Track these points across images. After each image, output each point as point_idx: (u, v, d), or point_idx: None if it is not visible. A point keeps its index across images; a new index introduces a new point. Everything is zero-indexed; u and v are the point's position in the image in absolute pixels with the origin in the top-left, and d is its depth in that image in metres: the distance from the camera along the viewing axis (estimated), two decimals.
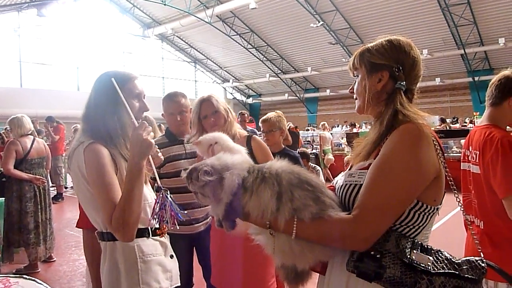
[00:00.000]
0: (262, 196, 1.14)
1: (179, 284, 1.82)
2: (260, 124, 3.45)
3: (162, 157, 2.18)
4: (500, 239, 1.96)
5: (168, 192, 1.65)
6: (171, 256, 1.81)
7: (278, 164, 1.22)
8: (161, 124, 8.16)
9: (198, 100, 2.52)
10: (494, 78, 2.09)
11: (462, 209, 1.23)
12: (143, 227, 1.68)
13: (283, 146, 3.45)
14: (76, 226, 3.65)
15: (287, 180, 1.16)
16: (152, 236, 1.72)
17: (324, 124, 11.92)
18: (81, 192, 1.64)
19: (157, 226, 1.73)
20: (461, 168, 2.22)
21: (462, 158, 2.24)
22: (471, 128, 2.68)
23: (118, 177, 1.59)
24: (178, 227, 1.68)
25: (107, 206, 1.50)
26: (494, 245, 1.97)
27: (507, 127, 2.22)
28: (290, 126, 10.84)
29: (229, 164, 1.22)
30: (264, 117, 3.48)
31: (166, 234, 1.82)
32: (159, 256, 1.72)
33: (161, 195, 1.63)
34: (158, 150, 1.82)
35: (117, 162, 1.61)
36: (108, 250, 1.65)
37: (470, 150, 2.12)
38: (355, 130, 14.10)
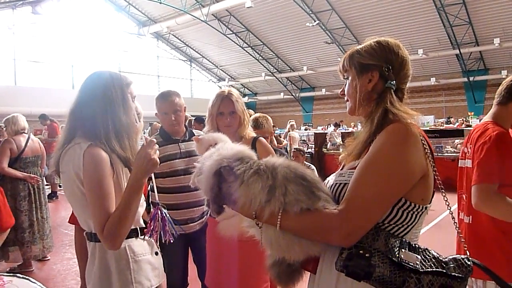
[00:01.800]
0: (252, 187, 1.16)
1: (164, 279, 1.87)
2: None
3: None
4: (488, 234, 1.97)
5: (165, 208, 1.76)
6: (156, 253, 1.83)
7: (276, 159, 1.25)
8: (156, 123, 8.15)
9: (218, 95, 2.50)
10: (508, 78, 2.10)
11: (449, 209, 1.25)
12: (133, 227, 1.70)
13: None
14: (68, 222, 3.67)
15: (283, 175, 1.18)
16: (140, 235, 1.75)
17: (292, 124, 12.01)
18: (72, 193, 1.63)
19: (144, 226, 1.78)
20: (459, 165, 2.23)
21: (460, 156, 2.26)
22: (465, 128, 2.70)
23: (114, 179, 1.60)
24: (172, 241, 1.74)
25: (101, 215, 1.51)
26: (481, 241, 1.98)
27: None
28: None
29: (217, 153, 1.28)
30: (253, 116, 3.42)
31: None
32: (148, 255, 1.75)
33: (158, 211, 1.73)
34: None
35: (114, 165, 1.62)
36: (98, 252, 1.65)
37: (467, 146, 2.13)
38: (341, 130, 14.19)
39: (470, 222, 2.06)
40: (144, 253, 1.73)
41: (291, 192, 1.15)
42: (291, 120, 12.01)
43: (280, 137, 9.97)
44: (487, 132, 1.95)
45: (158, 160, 1.57)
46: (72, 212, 3.52)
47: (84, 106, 1.68)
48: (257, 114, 3.50)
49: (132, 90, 1.78)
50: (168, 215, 1.80)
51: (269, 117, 3.55)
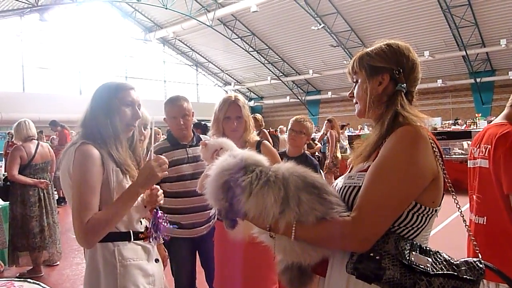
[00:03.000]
0: (264, 199, 1.15)
1: (163, 286, 1.84)
2: (291, 121, 3.31)
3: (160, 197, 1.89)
4: (503, 235, 1.94)
5: (160, 211, 1.81)
6: (156, 260, 1.82)
7: (285, 167, 1.23)
8: (157, 128, 8.15)
9: (225, 99, 2.52)
10: None
11: (460, 211, 1.24)
12: (125, 230, 1.71)
13: (303, 151, 3.35)
14: None
15: (294, 184, 1.17)
16: (134, 240, 1.73)
17: (281, 127, 11.98)
18: (66, 191, 1.68)
19: (141, 230, 1.78)
20: (468, 166, 2.21)
21: (469, 156, 2.23)
22: (474, 130, 2.66)
23: (104, 177, 1.63)
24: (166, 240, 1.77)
25: (81, 207, 1.53)
26: (494, 242, 1.95)
27: None
28: (270, 130, 10.84)
29: (216, 166, 1.27)
30: (299, 116, 3.37)
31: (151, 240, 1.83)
32: (139, 260, 1.72)
33: (157, 215, 1.79)
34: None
35: (105, 163, 1.64)
36: (88, 253, 1.67)
37: (479, 146, 2.09)
38: (348, 133, 14.13)
39: (485, 223, 2.02)
40: (135, 258, 1.71)
41: (305, 202, 1.15)
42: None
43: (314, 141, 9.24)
44: (509, 135, 1.91)
45: (159, 175, 1.63)
46: None
47: (88, 115, 1.76)
48: (300, 117, 3.41)
49: (132, 94, 1.80)
50: (164, 217, 1.84)
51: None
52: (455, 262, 1.08)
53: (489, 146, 1.99)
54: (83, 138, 1.67)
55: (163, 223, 1.82)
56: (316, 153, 10.15)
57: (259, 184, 1.17)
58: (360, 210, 1.13)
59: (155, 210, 1.81)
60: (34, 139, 4.78)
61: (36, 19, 18.49)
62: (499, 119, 2.12)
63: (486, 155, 2.01)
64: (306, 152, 3.41)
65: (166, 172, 1.69)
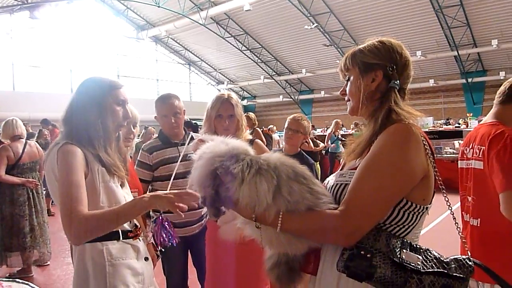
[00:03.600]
0: (258, 187, 1.14)
1: (152, 287, 1.81)
2: (288, 120, 3.29)
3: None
4: (498, 236, 1.93)
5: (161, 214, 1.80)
6: (146, 259, 1.80)
7: (275, 157, 1.23)
8: (151, 127, 8.12)
9: (218, 97, 2.50)
10: (511, 78, 2.07)
11: (451, 210, 1.24)
12: (113, 230, 1.66)
13: (299, 150, 3.34)
14: None
15: (286, 174, 1.17)
16: (123, 239, 1.70)
17: (271, 127, 12.07)
18: (52, 192, 1.64)
19: (130, 229, 1.75)
20: (459, 166, 2.20)
21: (459, 156, 2.22)
22: (465, 129, 2.67)
23: (89, 178, 1.60)
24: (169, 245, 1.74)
25: (71, 201, 1.47)
26: (489, 244, 1.95)
27: None
28: (263, 129, 10.85)
29: (209, 151, 1.24)
30: (297, 115, 3.35)
31: (140, 238, 1.81)
32: (129, 259, 1.70)
33: (165, 221, 1.80)
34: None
35: (90, 164, 1.62)
36: (77, 253, 1.65)
37: (472, 146, 2.08)
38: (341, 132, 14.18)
39: (478, 225, 2.01)
40: (124, 257, 1.68)
41: (296, 191, 1.15)
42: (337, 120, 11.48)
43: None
44: (503, 135, 1.90)
45: (169, 205, 1.49)
46: None
47: (69, 111, 1.71)
48: (298, 115, 3.38)
49: (123, 93, 1.77)
50: (167, 221, 1.81)
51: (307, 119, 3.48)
52: (445, 260, 1.08)
53: (483, 148, 1.97)
54: (66, 139, 1.63)
55: (170, 227, 1.79)
56: (323, 151, 10.20)
57: (251, 172, 1.16)
58: (348, 204, 1.13)
59: (159, 217, 1.78)
60: (22, 138, 4.71)
61: (27, 16, 18.31)
62: (489, 118, 2.11)
63: (480, 156, 1.99)
64: (302, 151, 3.41)
65: (179, 210, 1.52)
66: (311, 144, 6.92)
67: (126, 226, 1.74)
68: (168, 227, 1.83)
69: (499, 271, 1.12)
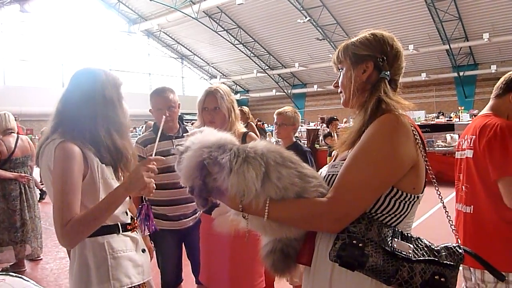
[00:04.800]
0: (246, 175, 1.14)
1: (151, 278, 1.84)
2: (274, 116, 3.40)
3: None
4: (487, 222, 1.98)
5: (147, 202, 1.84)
6: (143, 251, 1.82)
7: (262, 144, 1.24)
8: (150, 122, 8.11)
9: (205, 90, 2.52)
10: (508, 73, 2.12)
11: (442, 202, 1.26)
12: (113, 223, 1.70)
13: (294, 140, 3.41)
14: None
15: (274, 160, 1.18)
16: (122, 232, 1.73)
17: (260, 123, 12.22)
18: (48, 188, 1.65)
19: (128, 221, 1.77)
20: (455, 157, 2.26)
21: (456, 147, 2.28)
22: (457, 123, 2.73)
23: (88, 176, 1.60)
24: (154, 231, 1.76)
25: (63, 208, 1.49)
26: (481, 230, 2.01)
27: None
28: (257, 123, 10.91)
29: (197, 142, 1.25)
30: (280, 109, 3.43)
31: (137, 230, 1.83)
32: (129, 251, 1.73)
33: (145, 206, 1.82)
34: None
35: (89, 161, 1.61)
36: (77, 247, 1.64)
37: (466, 138, 2.14)
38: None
39: (471, 212, 2.07)
40: (125, 249, 1.71)
41: (285, 176, 1.16)
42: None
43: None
44: (493, 124, 1.96)
45: (146, 180, 1.57)
46: None
47: (65, 103, 1.69)
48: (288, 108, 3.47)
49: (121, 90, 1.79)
50: (150, 209, 1.85)
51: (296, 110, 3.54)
52: (435, 248, 1.10)
53: (474, 137, 2.04)
54: (61, 134, 1.61)
55: (151, 213, 1.82)
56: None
57: (239, 161, 1.16)
58: (336, 191, 1.15)
59: (143, 201, 1.80)
60: (13, 133, 4.67)
61: (17, 10, 18.07)
62: (485, 110, 2.17)
63: (471, 145, 2.06)
64: (297, 141, 3.48)
65: (152, 180, 1.64)
66: (336, 138, 6.91)
67: (124, 219, 1.75)
68: (150, 215, 1.86)
69: (491, 258, 1.14)
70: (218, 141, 1.24)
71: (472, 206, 2.07)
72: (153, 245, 2.57)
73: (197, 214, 2.81)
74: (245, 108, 7.86)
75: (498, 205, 1.92)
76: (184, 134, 1.38)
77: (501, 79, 2.12)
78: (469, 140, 2.09)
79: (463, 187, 2.13)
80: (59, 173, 1.53)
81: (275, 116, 3.40)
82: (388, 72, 1.28)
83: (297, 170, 1.18)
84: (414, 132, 1.19)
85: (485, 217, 2.00)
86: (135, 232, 1.79)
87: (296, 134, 14.69)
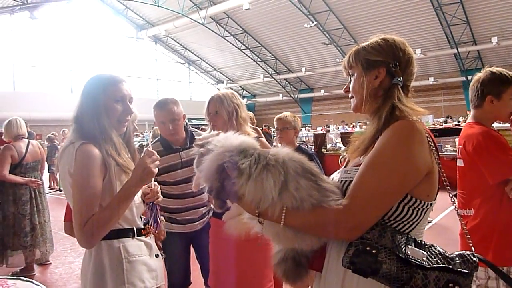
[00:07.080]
0: (264, 183, 1.14)
1: (164, 283, 1.86)
2: (274, 122, 3.44)
3: (159, 194, 1.95)
4: (489, 227, 2.07)
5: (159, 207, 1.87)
6: (156, 256, 1.84)
7: (284, 152, 1.23)
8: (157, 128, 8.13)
9: (209, 97, 2.57)
10: (471, 82, 2.26)
11: (455, 206, 1.25)
12: (128, 227, 1.71)
13: (297, 144, 3.43)
14: (64, 220, 3.72)
15: (294, 169, 1.17)
16: (137, 236, 1.74)
17: (264, 128, 12.32)
18: (66, 190, 1.66)
19: (142, 226, 1.79)
20: (457, 164, 2.34)
21: (457, 155, 2.36)
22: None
23: (107, 178, 1.62)
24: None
25: (83, 211, 1.52)
26: (482, 233, 2.07)
27: (495, 123, 2.42)
28: (263, 128, 10.93)
29: (220, 145, 1.25)
30: (280, 115, 3.48)
31: (151, 235, 1.85)
32: (144, 256, 1.75)
33: (155, 209, 1.84)
34: (158, 185, 1.87)
35: (107, 163, 1.63)
36: (93, 250, 1.66)
37: (458, 146, 2.30)
38: (340, 130, 14.24)
39: (473, 214, 2.16)
40: (140, 254, 1.73)
41: (303, 187, 1.15)
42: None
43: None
44: (474, 132, 2.11)
45: (154, 170, 1.61)
46: (66, 211, 3.72)
47: (83, 110, 1.71)
48: (287, 113, 3.53)
49: (121, 88, 1.73)
50: (159, 213, 1.87)
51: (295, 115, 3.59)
52: (449, 256, 1.09)
53: (460, 147, 2.22)
54: (81, 138, 1.63)
55: (161, 217, 1.84)
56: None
57: (258, 167, 1.16)
58: (351, 199, 1.13)
59: (151, 204, 1.82)
60: (25, 138, 4.73)
61: (26, 17, 18.31)
62: (469, 119, 2.32)
63: (460, 155, 2.23)
64: (300, 145, 3.49)
65: (157, 166, 1.67)
66: None
67: (139, 223, 1.78)
68: (158, 217, 1.88)
69: (492, 259, 1.13)
70: (240, 145, 1.24)
71: (473, 209, 2.17)
72: (162, 250, 2.57)
73: (205, 218, 2.82)
74: (250, 114, 7.91)
75: (494, 207, 2.05)
76: (193, 144, 1.37)
77: (470, 91, 2.26)
78: (458, 150, 2.27)
79: (459, 192, 2.25)
80: (80, 176, 1.55)
81: (275, 122, 3.44)
82: (401, 78, 1.27)
83: (316, 183, 1.17)
84: (428, 138, 1.18)
85: (483, 220, 2.10)
86: (148, 237, 1.81)
87: (304, 139, 14.65)
